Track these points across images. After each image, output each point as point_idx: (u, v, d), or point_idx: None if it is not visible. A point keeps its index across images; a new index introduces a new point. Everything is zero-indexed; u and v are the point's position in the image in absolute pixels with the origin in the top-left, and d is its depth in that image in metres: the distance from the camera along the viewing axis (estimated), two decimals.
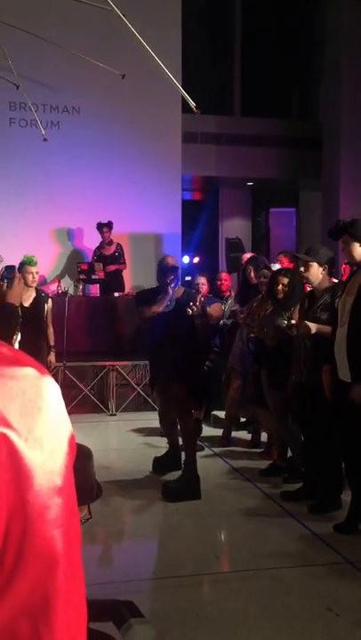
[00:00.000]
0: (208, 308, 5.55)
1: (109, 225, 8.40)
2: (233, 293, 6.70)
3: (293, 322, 4.37)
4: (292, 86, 12.10)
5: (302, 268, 4.23)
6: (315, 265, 4.13)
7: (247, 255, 7.14)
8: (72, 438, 0.63)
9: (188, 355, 4.62)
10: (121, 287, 8.28)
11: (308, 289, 4.58)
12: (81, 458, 1.62)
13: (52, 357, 6.00)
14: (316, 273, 4.13)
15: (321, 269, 4.14)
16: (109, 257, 8.39)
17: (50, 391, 0.61)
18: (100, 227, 8.41)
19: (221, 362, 6.06)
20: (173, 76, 4.83)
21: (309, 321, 4.10)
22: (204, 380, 5.33)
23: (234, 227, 12.05)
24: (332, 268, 4.34)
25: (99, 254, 8.49)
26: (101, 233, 8.43)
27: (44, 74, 8.49)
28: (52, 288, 7.78)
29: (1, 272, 2.74)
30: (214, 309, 5.88)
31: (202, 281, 6.14)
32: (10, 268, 2.73)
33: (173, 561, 3.48)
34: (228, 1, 11.61)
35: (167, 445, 5.06)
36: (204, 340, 5.64)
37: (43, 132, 7.38)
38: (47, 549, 0.58)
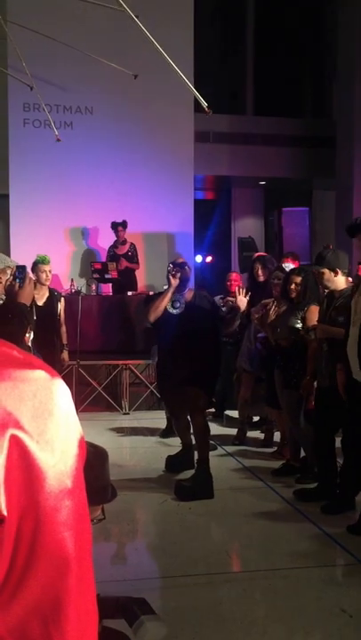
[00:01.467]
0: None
1: (124, 224, 8.43)
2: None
3: (300, 324, 4.41)
4: (304, 85, 12.05)
5: (317, 273, 4.29)
6: (326, 271, 4.15)
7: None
8: (82, 440, 0.63)
9: (206, 357, 4.59)
10: (134, 286, 8.31)
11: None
12: (97, 458, 1.63)
13: (64, 355, 6.06)
14: (330, 278, 4.15)
15: (333, 274, 4.15)
16: (123, 256, 8.42)
17: (60, 394, 0.62)
18: (114, 226, 8.45)
19: (232, 361, 6.05)
20: (186, 76, 4.83)
21: (326, 323, 4.10)
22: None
23: (246, 226, 12.02)
24: (345, 268, 4.33)
25: (112, 253, 8.52)
26: (116, 232, 8.46)
27: (57, 75, 8.53)
28: (66, 287, 7.83)
29: (13, 272, 2.76)
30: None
31: (233, 277, 6.19)
32: (21, 268, 2.74)
33: (186, 560, 3.48)
34: (241, 0, 11.59)
35: (180, 445, 5.07)
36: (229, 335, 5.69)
37: (56, 133, 7.42)
38: (58, 551, 0.58)
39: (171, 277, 4.62)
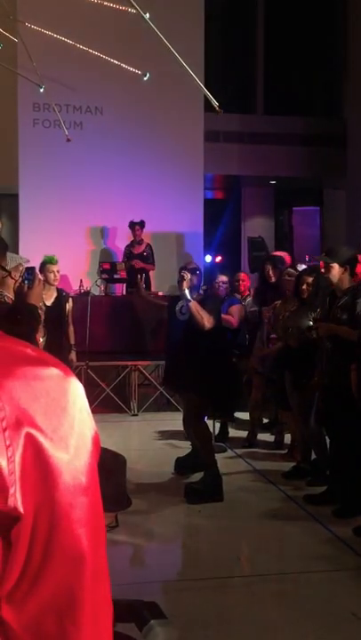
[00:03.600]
0: (224, 315, 5.50)
1: (141, 224, 8.40)
2: (252, 293, 6.60)
3: (311, 324, 4.38)
4: (315, 84, 11.99)
5: (323, 269, 4.23)
6: (336, 266, 4.10)
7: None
8: (96, 437, 0.63)
9: (208, 364, 4.48)
10: (147, 287, 8.27)
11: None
12: (118, 466, 1.60)
13: (72, 356, 6.03)
14: (337, 274, 4.10)
15: (342, 270, 4.10)
16: (138, 255, 8.41)
17: (74, 391, 0.62)
18: (132, 225, 8.42)
19: (243, 363, 6.00)
20: (196, 76, 4.81)
21: (330, 322, 4.06)
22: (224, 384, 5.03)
23: (256, 225, 11.97)
24: (354, 267, 4.29)
25: (128, 253, 8.51)
26: (133, 231, 8.44)
27: (66, 75, 8.53)
28: (75, 287, 7.82)
29: (22, 273, 2.76)
30: (233, 313, 5.87)
31: (222, 279, 6.05)
32: (30, 270, 2.76)
33: (196, 563, 3.46)
34: None
35: (190, 447, 5.04)
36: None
37: (66, 133, 7.42)
38: (73, 547, 0.58)
39: (180, 285, 4.57)
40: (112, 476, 1.51)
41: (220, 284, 6.08)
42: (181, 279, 4.55)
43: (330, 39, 11.54)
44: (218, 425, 5.85)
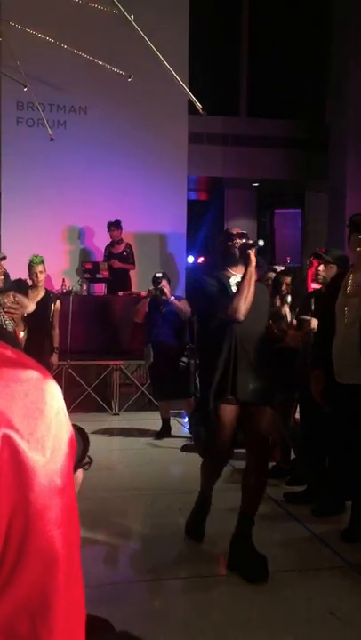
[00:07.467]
0: (178, 303, 6.01)
1: (117, 224, 8.42)
2: None
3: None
4: (299, 87, 12.07)
5: (322, 267, 4.25)
6: (334, 267, 4.16)
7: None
8: (72, 440, 0.64)
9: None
10: (127, 287, 8.29)
11: (313, 289, 4.59)
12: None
13: (54, 359, 5.97)
14: (331, 275, 4.16)
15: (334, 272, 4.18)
16: (118, 255, 8.42)
17: (52, 393, 0.62)
18: (108, 225, 8.44)
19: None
20: (180, 78, 4.83)
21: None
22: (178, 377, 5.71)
23: (239, 227, 12.00)
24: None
25: (108, 253, 8.52)
26: (110, 232, 8.45)
27: (51, 74, 8.50)
28: (58, 287, 7.80)
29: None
30: (184, 304, 6.10)
31: (163, 283, 6.10)
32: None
33: (175, 562, 3.48)
34: (236, 1, 11.60)
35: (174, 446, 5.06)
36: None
37: (50, 132, 7.40)
38: (48, 549, 0.58)
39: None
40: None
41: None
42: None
43: (314, 43, 11.63)
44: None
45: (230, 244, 3.38)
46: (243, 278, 3.25)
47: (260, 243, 3.40)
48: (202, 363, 3.82)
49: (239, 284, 3.25)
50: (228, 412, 3.29)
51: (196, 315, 4.92)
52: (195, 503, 3.66)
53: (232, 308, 3.20)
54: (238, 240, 3.36)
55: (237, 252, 3.34)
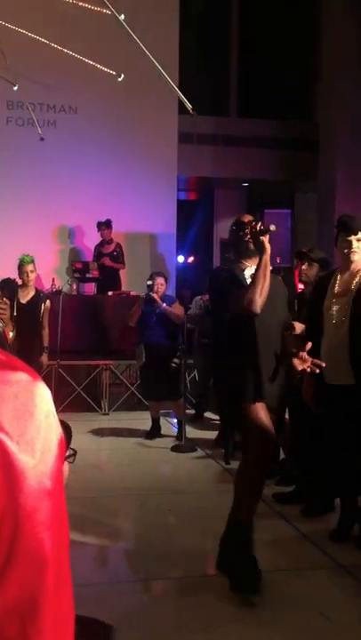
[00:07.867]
0: (170, 309, 5.98)
1: (107, 223, 8.42)
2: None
3: None
4: (289, 87, 12.10)
5: (305, 266, 4.26)
6: (316, 267, 4.19)
7: None
8: (62, 442, 0.64)
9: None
10: (117, 286, 8.29)
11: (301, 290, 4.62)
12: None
13: (44, 358, 5.95)
14: (314, 274, 4.17)
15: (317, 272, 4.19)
16: (107, 255, 8.42)
17: (41, 396, 0.62)
18: (98, 225, 8.44)
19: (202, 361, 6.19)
20: (170, 77, 4.82)
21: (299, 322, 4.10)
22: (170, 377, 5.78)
23: (228, 227, 12.03)
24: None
25: (98, 252, 8.52)
26: (100, 231, 8.45)
27: (41, 73, 8.48)
28: (47, 286, 7.79)
29: None
30: (178, 308, 6.13)
31: (161, 281, 6.10)
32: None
33: (165, 562, 3.48)
34: (226, 1, 11.61)
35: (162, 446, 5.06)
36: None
37: (39, 132, 7.37)
38: (37, 551, 0.58)
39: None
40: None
41: (158, 286, 6.15)
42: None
43: (304, 43, 11.67)
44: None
45: (242, 234, 3.13)
46: (257, 269, 2.97)
47: (273, 227, 3.03)
48: (218, 362, 3.44)
49: (253, 276, 2.99)
50: (264, 411, 3.01)
51: (211, 312, 4.87)
52: (234, 545, 3.08)
53: (247, 301, 2.92)
54: (250, 229, 3.08)
55: (250, 244, 3.08)
